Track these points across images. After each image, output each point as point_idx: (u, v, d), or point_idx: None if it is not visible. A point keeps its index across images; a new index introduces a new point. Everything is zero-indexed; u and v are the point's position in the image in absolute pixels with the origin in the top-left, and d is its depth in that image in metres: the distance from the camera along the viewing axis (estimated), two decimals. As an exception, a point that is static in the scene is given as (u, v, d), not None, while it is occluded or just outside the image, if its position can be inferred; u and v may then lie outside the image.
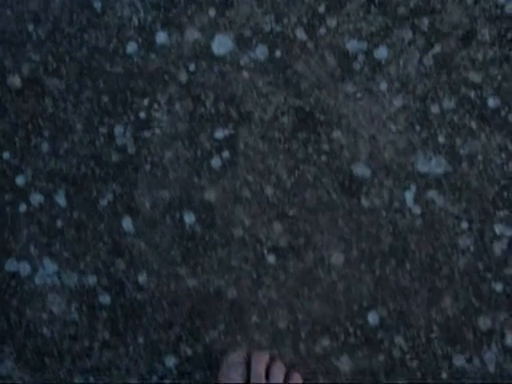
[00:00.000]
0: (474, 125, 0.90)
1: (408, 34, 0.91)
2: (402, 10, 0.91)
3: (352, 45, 0.91)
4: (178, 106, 0.91)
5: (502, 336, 0.87)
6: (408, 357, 0.88)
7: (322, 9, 0.91)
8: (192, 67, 0.92)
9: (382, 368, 0.88)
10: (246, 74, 0.91)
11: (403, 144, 0.90)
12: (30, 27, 0.92)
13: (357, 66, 0.91)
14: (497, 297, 0.88)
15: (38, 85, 0.92)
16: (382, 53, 0.91)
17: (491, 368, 0.87)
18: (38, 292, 0.91)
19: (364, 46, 0.91)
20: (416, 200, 0.89)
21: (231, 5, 0.91)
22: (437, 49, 0.91)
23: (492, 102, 0.90)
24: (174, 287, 0.90)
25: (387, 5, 0.91)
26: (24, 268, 0.91)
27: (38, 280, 0.91)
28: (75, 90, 0.92)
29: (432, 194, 0.89)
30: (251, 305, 0.89)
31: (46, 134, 0.92)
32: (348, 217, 0.89)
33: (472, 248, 0.88)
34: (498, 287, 0.88)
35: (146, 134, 0.91)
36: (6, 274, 0.91)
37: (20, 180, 0.92)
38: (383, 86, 0.91)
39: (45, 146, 0.91)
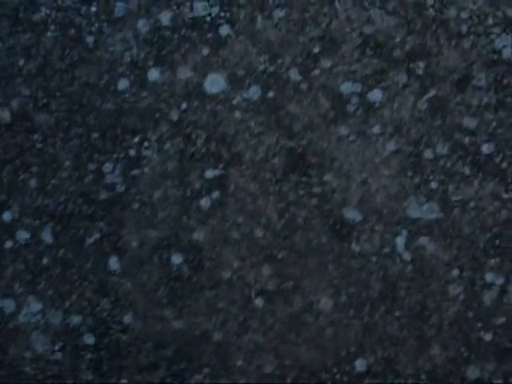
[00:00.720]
0: (467, 171, 0.89)
1: (403, 78, 0.90)
2: (397, 53, 0.90)
3: (346, 87, 0.90)
4: (168, 145, 0.90)
5: (491, 386, 0.86)
6: (395, 405, 0.87)
7: (316, 49, 0.90)
8: (184, 105, 0.90)
9: (368, 416, 0.87)
10: (238, 114, 0.90)
11: (395, 189, 0.89)
12: (21, 61, 0.91)
13: (350, 108, 0.90)
14: (486, 346, 0.87)
15: (27, 120, 0.91)
16: (376, 95, 0.90)
17: (478, 419, 0.86)
18: (22, 330, 0.90)
19: (358, 88, 0.90)
20: (407, 246, 0.88)
21: (225, 43, 0.90)
22: (432, 93, 0.90)
23: (486, 148, 0.89)
24: (160, 329, 0.88)
25: (383, 47, 0.90)
26: (8, 305, 0.90)
27: (22, 318, 0.90)
28: (65, 126, 0.91)
29: (423, 240, 0.88)
30: (237, 348, 0.88)
31: (34, 169, 0.90)
32: (338, 261, 0.88)
33: (462, 296, 0.87)
34: (488, 337, 0.87)
35: (136, 172, 0.90)
36: (-10, 310, 0.90)
37: (7, 216, 0.91)
38: (376, 129, 0.90)
39: (33, 182, 0.90)
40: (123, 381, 0.88)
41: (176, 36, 0.91)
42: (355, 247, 0.88)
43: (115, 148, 0.91)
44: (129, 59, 0.91)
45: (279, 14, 0.90)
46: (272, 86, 0.90)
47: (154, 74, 0.91)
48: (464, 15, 0.89)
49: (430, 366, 0.87)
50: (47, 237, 0.90)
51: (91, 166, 0.91)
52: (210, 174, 0.90)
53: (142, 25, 0.91)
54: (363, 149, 0.89)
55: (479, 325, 0.87)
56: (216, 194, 0.90)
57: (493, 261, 0.87)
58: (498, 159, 0.88)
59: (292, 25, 0.90)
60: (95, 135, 0.91)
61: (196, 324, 0.88)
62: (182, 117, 0.91)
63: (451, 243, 0.88)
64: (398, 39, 0.90)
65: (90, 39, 0.91)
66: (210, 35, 0.91)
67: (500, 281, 0.87)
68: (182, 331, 0.88)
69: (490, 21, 0.89)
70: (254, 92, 0.90)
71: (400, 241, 0.88)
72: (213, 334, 0.88)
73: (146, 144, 0.91)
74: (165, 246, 0.89)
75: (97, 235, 0.90)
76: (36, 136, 0.91)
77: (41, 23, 0.91)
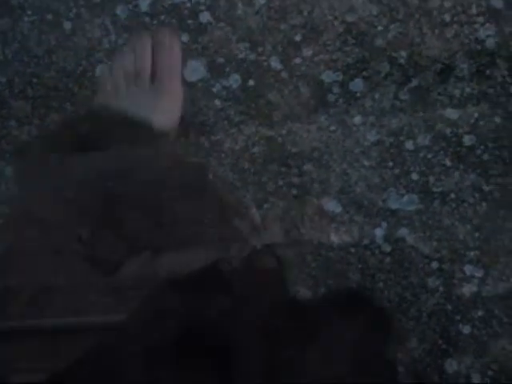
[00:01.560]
0: (448, 162, 0.88)
1: (385, 67, 0.89)
2: (379, 42, 0.89)
3: (327, 76, 0.89)
4: (146, 133, 0.89)
5: (468, 379, 0.86)
6: (372, 397, 0.86)
7: (298, 38, 0.89)
8: (162, 93, 0.89)
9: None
10: (217, 102, 0.89)
11: (375, 180, 0.88)
12: (-3, 46, 0.89)
13: (331, 97, 0.89)
14: (464, 339, 0.86)
15: (3, 107, 0.89)
16: (357, 85, 0.89)
17: (455, 412, 0.86)
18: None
19: (339, 77, 0.89)
20: (386, 237, 0.88)
21: (205, 31, 0.89)
22: (414, 83, 0.89)
23: (467, 140, 0.88)
24: None
25: (364, 36, 0.89)
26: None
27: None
28: (41, 113, 0.89)
29: (403, 231, 0.87)
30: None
31: (10, 157, 0.89)
32: (316, 252, 0.88)
33: (441, 289, 0.87)
34: (466, 329, 0.86)
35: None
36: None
37: (-19, 204, 0.89)
38: (357, 119, 0.89)
39: (8, 170, 0.89)
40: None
41: (155, 22, 0.89)
42: (334, 238, 0.87)
43: (92, 136, 0.89)
44: (107, 45, 0.90)
45: (260, 1, 0.89)
46: (252, 74, 0.89)
47: (132, 61, 0.89)
48: (447, 4, 0.88)
49: (408, 359, 0.86)
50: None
51: (68, 154, 0.89)
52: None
53: (121, 11, 0.89)
54: (344, 139, 0.88)
55: (458, 317, 0.86)
56: (194, 184, 0.88)
57: (472, 253, 0.86)
58: (479, 151, 0.87)
59: (273, 12, 0.89)
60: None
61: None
62: (160, 105, 0.89)
63: (431, 235, 0.87)
64: (380, 28, 0.89)
65: (67, 24, 0.90)
66: (189, 22, 0.89)
67: (479, 273, 0.87)
68: None
69: (474, 10, 0.88)
70: (233, 80, 0.89)
71: (379, 232, 0.87)
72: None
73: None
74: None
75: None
76: (12, 123, 0.90)
77: (18, 8, 0.90)
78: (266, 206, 0.88)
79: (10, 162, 0.90)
